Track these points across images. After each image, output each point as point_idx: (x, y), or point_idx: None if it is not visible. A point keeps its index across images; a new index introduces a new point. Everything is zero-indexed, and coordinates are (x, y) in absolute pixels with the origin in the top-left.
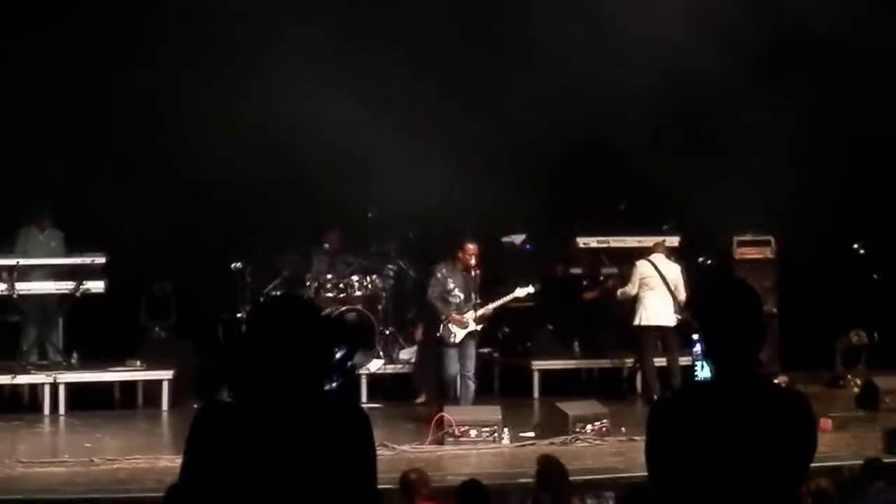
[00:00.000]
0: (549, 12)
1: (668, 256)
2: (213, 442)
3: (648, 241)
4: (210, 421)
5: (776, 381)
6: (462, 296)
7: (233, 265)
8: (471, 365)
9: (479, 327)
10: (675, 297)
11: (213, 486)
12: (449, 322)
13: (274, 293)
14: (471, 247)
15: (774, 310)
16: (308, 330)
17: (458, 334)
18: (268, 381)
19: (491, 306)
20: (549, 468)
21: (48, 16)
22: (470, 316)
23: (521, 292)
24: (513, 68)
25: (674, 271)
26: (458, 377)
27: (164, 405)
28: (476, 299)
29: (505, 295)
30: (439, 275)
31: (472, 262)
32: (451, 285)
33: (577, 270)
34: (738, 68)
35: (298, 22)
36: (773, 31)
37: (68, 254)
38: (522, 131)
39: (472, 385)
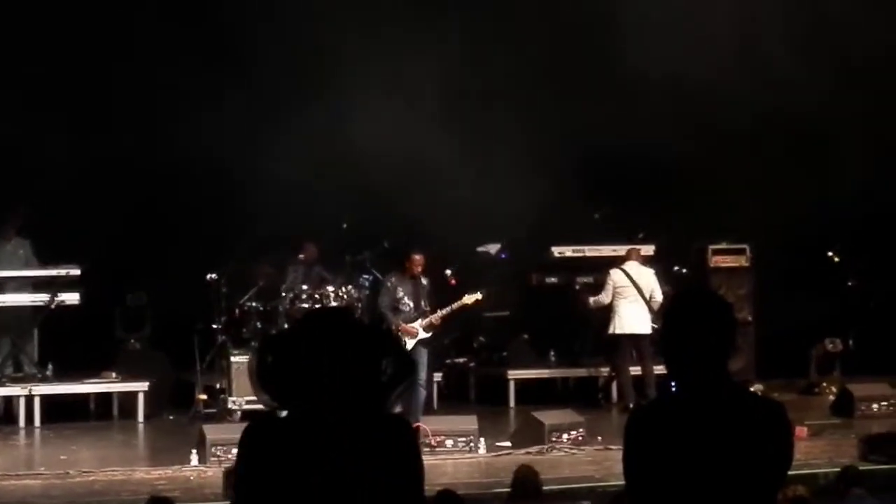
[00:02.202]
0: None
1: (642, 264)
2: (265, 455)
3: (623, 250)
4: (261, 434)
5: (751, 389)
6: (412, 304)
7: (208, 276)
8: (422, 373)
9: (428, 335)
10: (649, 305)
11: (267, 497)
12: (398, 331)
13: (316, 307)
14: (417, 257)
15: (749, 318)
16: (359, 342)
17: (408, 343)
18: (316, 394)
19: (439, 314)
20: (524, 480)
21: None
22: (419, 324)
23: (468, 299)
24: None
25: (647, 277)
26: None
27: (140, 417)
28: (426, 307)
29: (453, 302)
30: (389, 284)
31: (419, 271)
32: (401, 294)
33: (552, 279)
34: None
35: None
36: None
37: (40, 264)
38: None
39: (422, 392)
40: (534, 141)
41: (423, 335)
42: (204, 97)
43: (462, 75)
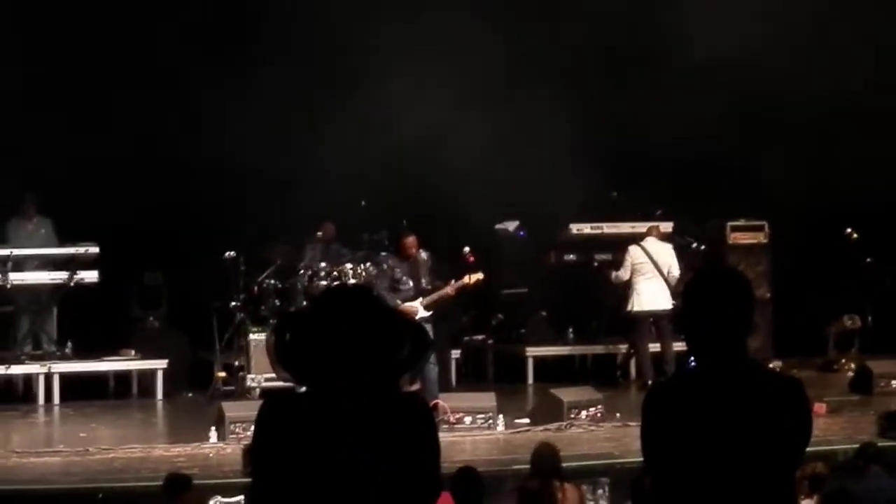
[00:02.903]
0: None
1: (661, 240)
2: (282, 432)
3: (642, 228)
4: (278, 411)
5: (770, 366)
6: (411, 283)
7: (225, 254)
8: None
9: (429, 314)
10: (667, 282)
11: (284, 474)
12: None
13: (334, 284)
14: (409, 239)
15: (768, 295)
16: (379, 320)
17: None
18: (336, 371)
19: (436, 295)
20: (542, 457)
21: None
22: (419, 303)
23: (470, 279)
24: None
25: (665, 254)
26: None
27: (159, 395)
28: (426, 284)
29: (457, 279)
30: (385, 266)
31: (413, 251)
32: (399, 274)
33: (570, 257)
34: None
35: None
36: None
37: (60, 242)
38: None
39: (434, 369)
40: (565, 124)
41: (423, 314)
42: (226, 83)
43: (495, 58)
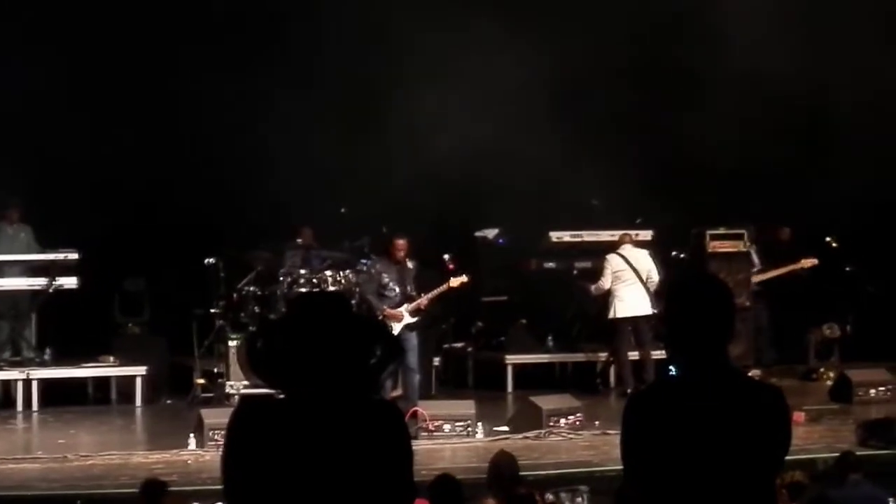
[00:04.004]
0: None
1: (636, 247)
2: (252, 438)
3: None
4: (249, 418)
5: (749, 374)
6: (398, 289)
7: (206, 261)
8: (412, 357)
9: (415, 319)
10: (647, 287)
11: (255, 479)
12: (384, 317)
13: (305, 291)
14: (400, 242)
15: (748, 303)
16: (349, 326)
17: (395, 328)
18: (307, 377)
19: (425, 298)
20: (501, 465)
21: None
22: (405, 309)
23: (454, 282)
24: None
25: (643, 260)
26: (401, 370)
27: (138, 401)
28: (412, 291)
29: (439, 285)
30: (373, 270)
31: (402, 255)
32: (386, 279)
33: (550, 265)
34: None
35: None
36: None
37: (40, 249)
38: None
39: (416, 376)
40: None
41: (409, 319)
42: (208, 84)
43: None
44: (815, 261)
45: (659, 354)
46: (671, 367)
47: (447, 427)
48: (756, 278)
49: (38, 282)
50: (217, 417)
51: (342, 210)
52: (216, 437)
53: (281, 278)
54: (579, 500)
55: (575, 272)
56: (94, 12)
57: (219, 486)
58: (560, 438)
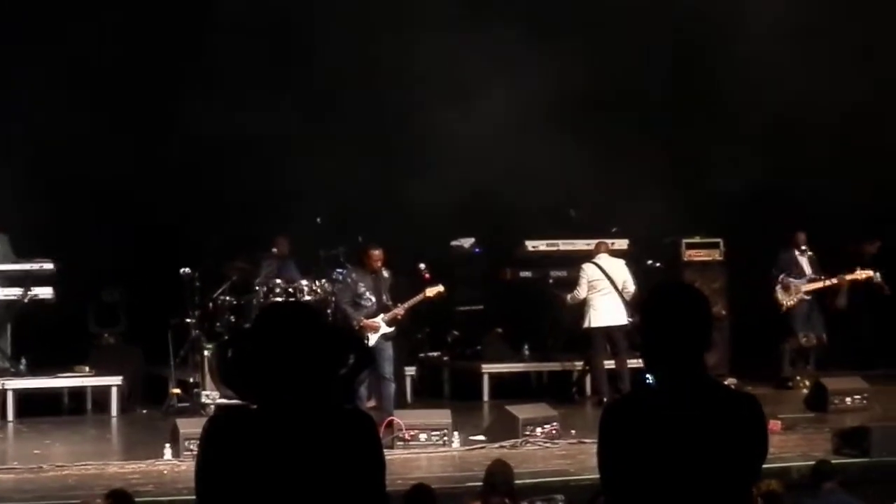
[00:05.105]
0: None
1: (612, 256)
2: (224, 448)
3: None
4: (220, 428)
5: (725, 382)
6: (374, 298)
7: (181, 271)
8: (388, 367)
9: (391, 329)
10: (622, 297)
11: (227, 489)
12: (360, 327)
13: (277, 300)
14: (375, 252)
15: (724, 312)
16: (318, 336)
17: (371, 338)
18: (278, 387)
19: (401, 308)
20: (497, 474)
21: None
22: (381, 319)
23: (430, 292)
24: None
25: (619, 269)
26: (377, 380)
27: (114, 411)
28: (388, 301)
29: (415, 295)
30: (349, 280)
31: (378, 265)
32: (362, 289)
33: (526, 274)
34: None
35: None
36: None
37: (16, 259)
38: None
39: (391, 386)
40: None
41: (385, 329)
42: (188, 97)
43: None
44: (868, 273)
45: (635, 364)
46: (647, 377)
47: (423, 436)
48: (806, 287)
49: (14, 292)
50: (192, 427)
51: (318, 220)
52: (192, 446)
53: (256, 288)
54: None
55: (551, 281)
56: (75, 26)
57: (194, 497)
58: (536, 447)
